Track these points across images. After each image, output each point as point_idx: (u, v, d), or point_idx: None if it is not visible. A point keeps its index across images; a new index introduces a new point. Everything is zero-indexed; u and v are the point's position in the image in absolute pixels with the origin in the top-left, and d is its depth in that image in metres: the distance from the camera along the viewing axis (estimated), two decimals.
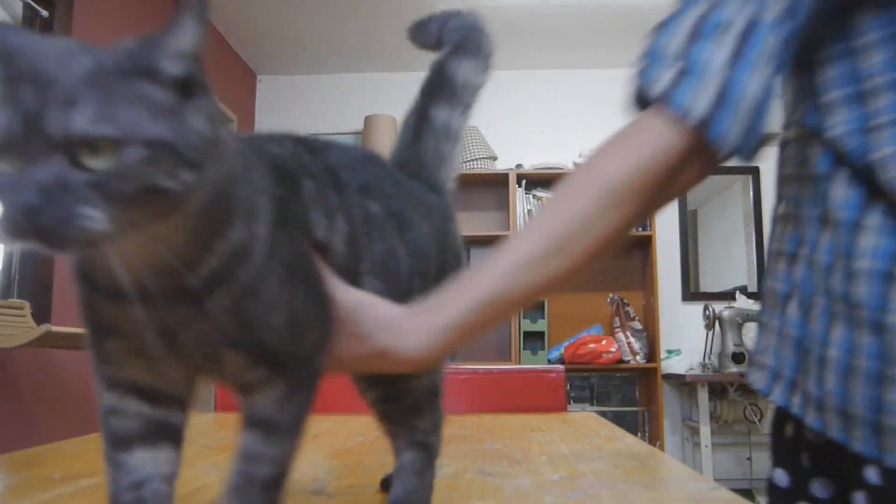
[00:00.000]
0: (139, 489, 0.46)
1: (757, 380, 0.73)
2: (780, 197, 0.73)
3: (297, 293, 0.48)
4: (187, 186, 0.39)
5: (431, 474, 0.62)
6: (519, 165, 4.45)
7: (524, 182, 4.40)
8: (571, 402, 4.12)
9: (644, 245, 4.39)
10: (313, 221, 0.52)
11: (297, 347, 0.49)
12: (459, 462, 0.79)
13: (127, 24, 3.19)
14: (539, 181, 4.45)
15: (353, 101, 4.78)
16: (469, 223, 4.58)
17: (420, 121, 0.73)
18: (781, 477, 0.72)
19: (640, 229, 4.27)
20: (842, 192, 0.62)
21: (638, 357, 4.18)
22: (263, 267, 0.45)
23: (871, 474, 0.60)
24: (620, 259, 4.52)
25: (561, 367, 1.37)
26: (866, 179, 0.61)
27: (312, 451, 0.89)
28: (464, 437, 1.01)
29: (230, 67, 4.42)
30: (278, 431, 0.49)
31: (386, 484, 0.69)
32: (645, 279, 4.43)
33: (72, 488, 0.65)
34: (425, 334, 0.57)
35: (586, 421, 1.24)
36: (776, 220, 0.74)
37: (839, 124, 0.62)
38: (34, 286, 2.56)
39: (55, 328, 2.11)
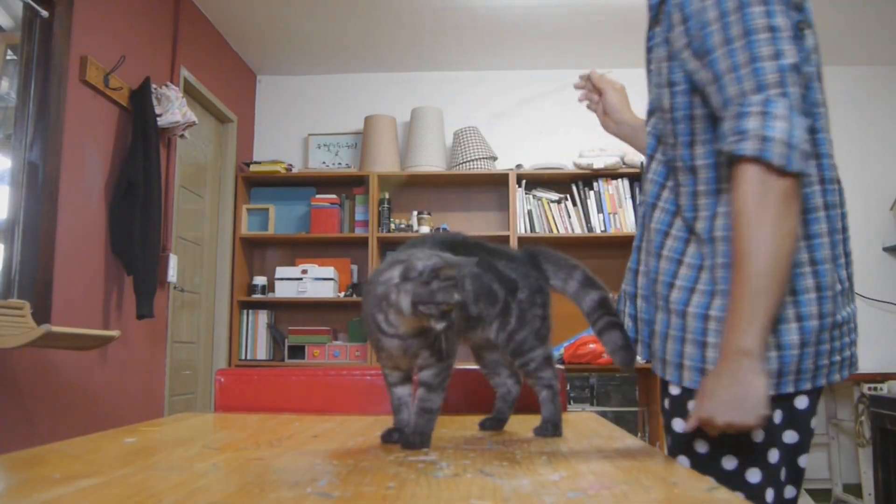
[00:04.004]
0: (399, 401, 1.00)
1: None
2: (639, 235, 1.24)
3: (451, 337, 0.96)
4: None
5: (559, 402, 1.09)
6: (519, 165, 4.45)
7: (524, 182, 4.40)
8: (571, 402, 4.12)
9: None
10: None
11: (450, 352, 0.96)
12: (459, 462, 0.79)
13: (127, 25, 3.19)
14: (539, 181, 4.46)
15: (353, 101, 4.78)
16: (469, 223, 4.58)
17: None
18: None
19: None
20: (671, 242, 1.15)
21: (638, 357, 4.17)
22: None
23: (673, 389, 1.14)
24: (621, 259, 4.51)
25: (561, 367, 1.37)
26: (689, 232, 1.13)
27: (312, 452, 0.89)
28: (464, 438, 1.01)
29: (230, 67, 4.42)
30: (434, 389, 0.96)
31: (484, 424, 1.11)
32: None
33: (72, 488, 0.65)
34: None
35: (586, 421, 1.24)
36: (634, 249, 1.25)
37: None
38: (34, 286, 2.56)
39: (55, 328, 2.11)
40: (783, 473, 1.08)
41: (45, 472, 0.73)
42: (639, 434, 4.14)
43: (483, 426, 1.10)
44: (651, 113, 1.19)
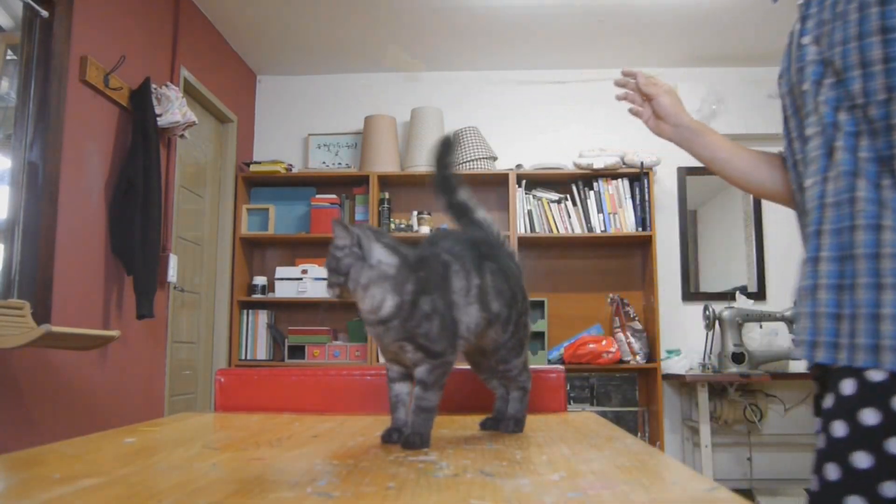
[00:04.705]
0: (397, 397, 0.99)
1: (798, 353, 1.05)
2: (807, 221, 1.06)
3: (444, 333, 0.94)
4: None
5: (527, 401, 1.09)
6: (519, 165, 4.45)
7: (524, 182, 4.40)
8: (571, 402, 4.12)
9: (644, 245, 4.39)
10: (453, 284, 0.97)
11: (436, 347, 0.94)
12: (459, 462, 0.79)
13: (127, 25, 3.19)
14: (539, 181, 4.46)
15: (353, 101, 4.78)
16: None
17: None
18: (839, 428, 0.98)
19: (640, 229, 4.27)
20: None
21: (638, 357, 4.18)
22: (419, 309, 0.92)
23: (876, 375, 0.93)
24: (620, 259, 4.52)
25: (561, 367, 1.37)
26: None
27: (312, 452, 0.89)
28: (464, 438, 1.01)
29: (230, 67, 4.42)
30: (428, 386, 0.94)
31: (485, 424, 1.10)
32: (645, 279, 4.43)
33: (72, 488, 0.65)
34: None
35: (586, 421, 1.24)
36: (805, 237, 1.06)
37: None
38: (34, 286, 2.56)
39: (55, 328, 2.11)
40: None
41: (45, 472, 0.73)
42: (639, 434, 4.14)
43: (483, 426, 1.10)
44: (818, 82, 1.09)
